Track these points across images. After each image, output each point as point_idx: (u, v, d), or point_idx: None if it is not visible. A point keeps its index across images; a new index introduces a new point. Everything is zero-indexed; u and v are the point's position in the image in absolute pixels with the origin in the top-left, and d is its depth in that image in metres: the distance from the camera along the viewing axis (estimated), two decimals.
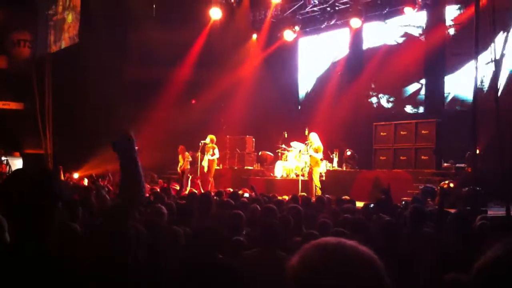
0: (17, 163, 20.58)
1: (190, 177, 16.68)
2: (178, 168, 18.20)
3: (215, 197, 9.84)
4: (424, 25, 18.41)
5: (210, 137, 16.87)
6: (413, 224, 5.81)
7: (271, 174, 18.37)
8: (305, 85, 22.95)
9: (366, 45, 20.36)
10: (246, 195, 11.16)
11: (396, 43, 19.14)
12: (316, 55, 22.32)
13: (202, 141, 16.41)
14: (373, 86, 20.06)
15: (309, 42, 22.55)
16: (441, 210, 6.40)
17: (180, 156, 18.03)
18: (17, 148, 23.07)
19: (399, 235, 5.39)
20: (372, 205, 8.50)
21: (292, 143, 17.67)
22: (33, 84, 21.78)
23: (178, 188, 14.34)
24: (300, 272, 1.43)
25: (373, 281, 1.41)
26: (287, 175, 17.62)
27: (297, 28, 21.48)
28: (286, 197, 11.02)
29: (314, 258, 1.43)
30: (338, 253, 1.42)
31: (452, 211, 6.74)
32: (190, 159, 17.16)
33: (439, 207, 6.86)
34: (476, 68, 10.15)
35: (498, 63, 10.00)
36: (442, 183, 13.04)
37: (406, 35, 18.86)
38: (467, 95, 16.10)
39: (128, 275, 3.86)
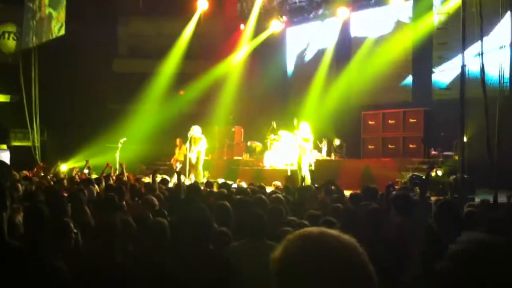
0: (4, 156, 20.44)
1: (179, 166, 16.67)
2: (172, 160, 18.18)
3: (206, 188, 9.85)
4: (411, 14, 18.42)
5: (196, 127, 16.75)
6: (398, 210, 5.87)
7: (260, 164, 18.38)
8: (293, 75, 22.93)
9: (354, 34, 20.34)
10: (235, 185, 11.17)
11: (384, 32, 19.13)
12: (304, 45, 22.29)
13: (190, 133, 16.33)
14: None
15: (297, 32, 22.50)
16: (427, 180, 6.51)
17: (176, 148, 18.07)
18: (4, 140, 22.92)
19: (385, 221, 5.43)
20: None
21: (280, 132, 17.72)
22: (20, 76, 21.61)
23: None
24: (283, 263, 1.44)
25: (355, 269, 1.41)
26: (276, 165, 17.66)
27: (284, 18, 21.47)
28: (273, 187, 11.05)
29: (296, 249, 1.44)
30: (320, 243, 1.43)
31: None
32: (186, 152, 17.17)
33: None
34: (463, 57, 10.20)
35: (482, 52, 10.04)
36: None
37: (394, 24, 18.86)
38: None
39: (115, 267, 3.87)
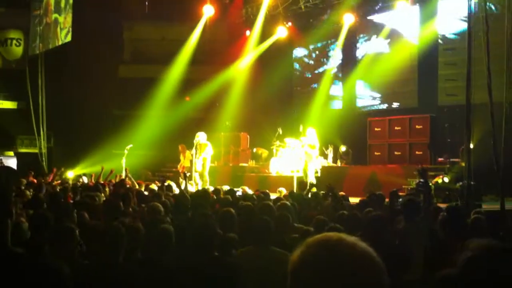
0: (11, 162, 20.52)
1: (188, 174, 16.63)
2: (179, 166, 18.16)
3: (213, 195, 9.84)
4: (417, 20, 18.41)
5: (202, 134, 16.71)
6: (406, 216, 5.86)
7: (266, 171, 18.35)
8: (299, 81, 22.94)
9: (359, 40, 20.35)
10: (239, 192, 11.15)
11: (389, 38, 19.12)
12: (310, 51, 22.32)
13: (195, 139, 16.31)
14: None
15: (302, 38, 22.50)
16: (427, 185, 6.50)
17: (181, 155, 18.03)
18: (11, 147, 23.00)
19: (388, 227, 5.42)
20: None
21: (286, 139, 17.68)
22: (26, 83, 21.70)
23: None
24: (300, 268, 1.44)
25: (371, 278, 1.40)
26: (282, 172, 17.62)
27: (289, 24, 21.48)
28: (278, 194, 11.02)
29: (314, 254, 1.43)
30: (338, 250, 1.42)
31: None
32: (191, 157, 17.13)
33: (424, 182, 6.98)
34: (469, 62, 10.16)
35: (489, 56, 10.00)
36: (437, 177, 13.08)
37: (399, 30, 18.85)
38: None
39: (120, 272, 3.86)
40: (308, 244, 1.47)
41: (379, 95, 19.50)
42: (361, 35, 20.33)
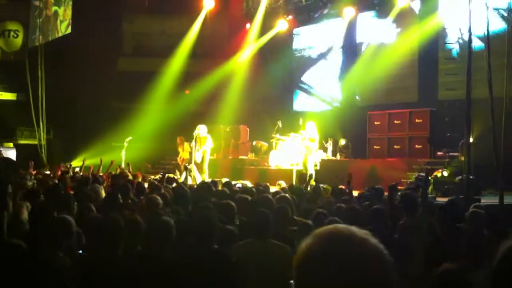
0: (10, 154, 20.53)
1: (189, 166, 16.63)
2: (178, 159, 18.15)
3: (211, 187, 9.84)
4: (418, 14, 18.37)
5: (202, 127, 16.69)
6: (405, 211, 5.87)
7: (266, 164, 18.34)
8: (299, 74, 22.89)
9: (360, 34, 20.28)
10: (239, 185, 11.16)
11: (390, 32, 19.07)
12: (311, 44, 22.26)
13: (195, 132, 16.31)
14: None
15: (303, 31, 22.46)
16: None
17: (179, 147, 18.01)
18: (11, 138, 23.00)
19: (388, 221, 5.42)
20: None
21: (290, 134, 17.66)
22: (26, 74, 21.69)
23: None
24: (307, 260, 1.40)
25: (380, 277, 1.37)
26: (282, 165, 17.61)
27: (290, 17, 21.43)
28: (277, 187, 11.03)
29: (322, 247, 1.39)
30: (347, 244, 1.38)
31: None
32: (190, 149, 17.09)
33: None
34: (469, 56, 10.15)
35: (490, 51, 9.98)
36: (436, 171, 13.08)
37: (400, 24, 18.80)
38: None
39: (118, 267, 3.85)
40: (317, 236, 1.42)
41: (379, 89, 19.44)
42: (362, 29, 20.23)
